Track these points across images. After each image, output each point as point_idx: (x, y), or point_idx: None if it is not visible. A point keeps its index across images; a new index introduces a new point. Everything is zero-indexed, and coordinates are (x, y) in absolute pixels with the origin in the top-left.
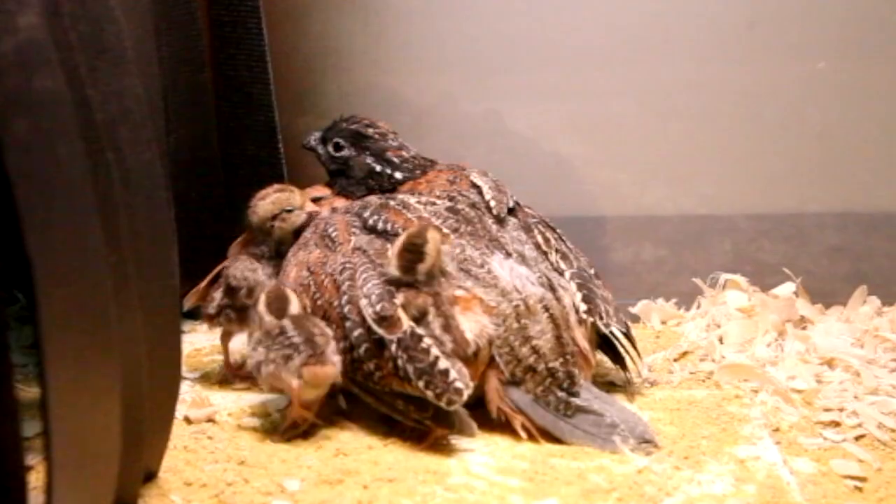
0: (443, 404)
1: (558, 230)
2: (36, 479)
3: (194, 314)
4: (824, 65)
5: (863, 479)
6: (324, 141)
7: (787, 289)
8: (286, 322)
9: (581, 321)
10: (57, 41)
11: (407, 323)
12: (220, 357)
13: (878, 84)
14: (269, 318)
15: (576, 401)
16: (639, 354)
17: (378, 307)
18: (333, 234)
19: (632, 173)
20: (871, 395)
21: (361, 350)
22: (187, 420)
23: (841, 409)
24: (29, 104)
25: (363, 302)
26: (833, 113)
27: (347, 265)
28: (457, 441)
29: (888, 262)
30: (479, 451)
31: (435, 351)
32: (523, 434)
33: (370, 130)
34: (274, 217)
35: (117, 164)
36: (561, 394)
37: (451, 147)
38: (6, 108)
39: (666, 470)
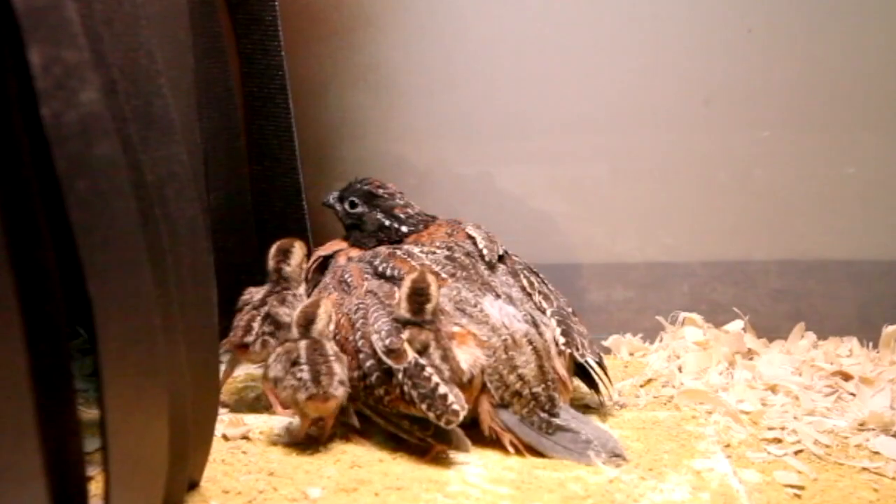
0: (442, 424)
1: (541, 275)
2: (95, 488)
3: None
4: (769, 134)
5: (801, 488)
6: (341, 199)
7: (736, 325)
8: (302, 349)
9: (560, 352)
10: (113, 113)
11: (412, 355)
12: (253, 384)
13: (813, 150)
14: (294, 333)
15: (556, 420)
16: (610, 381)
17: (387, 341)
18: (349, 280)
19: (605, 226)
20: (809, 416)
21: (373, 378)
22: (224, 437)
23: (783, 428)
24: (89, 167)
25: (374, 337)
26: (776, 175)
27: (361, 305)
28: (454, 455)
29: (823, 303)
30: (474, 463)
31: (435, 378)
32: (511, 449)
33: (380, 191)
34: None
35: (164, 219)
36: (543, 415)
37: (450, 204)
38: (70, 170)
39: (633, 480)
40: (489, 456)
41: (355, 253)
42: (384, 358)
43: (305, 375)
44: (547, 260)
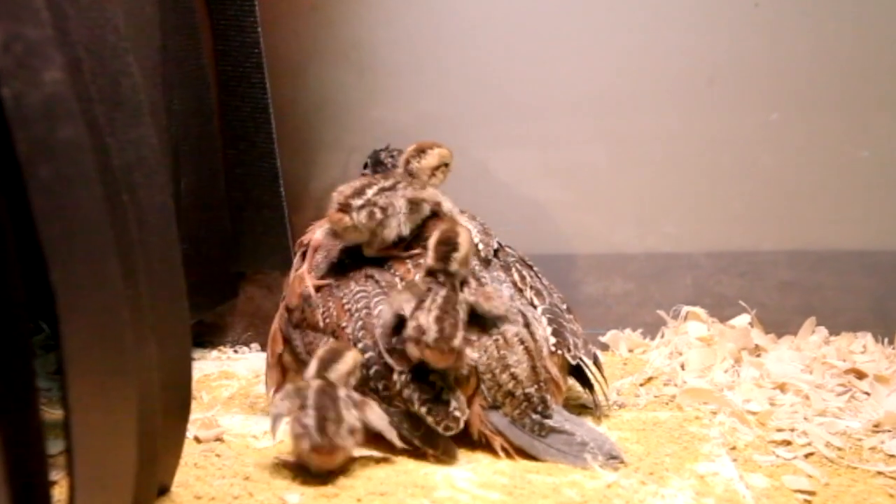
0: (440, 430)
1: (535, 267)
2: (59, 494)
3: (202, 343)
4: (777, 116)
5: (812, 493)
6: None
7: (742, 320)
8: (310, 393)
9: (552, 352)
10: (78, 94)
11: (415, 358)
12: (227, 382)
13: (824, 134)
14: (310, 371)
15: (549, 422)
16: (605, 380)
17: (393, 340)
18: (345, 264)
19: (603, 215)
20: (820, 417)
21: (372, 371)
22: (197, 439)
23: (792, 430)
24: (53, 151)
25: (378, 332)
26: (785, 160)
27: (362, 293)
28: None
29: (835, 296)
30: (463, 467)
31: (439, 384)
32: (502, 454)
33: (389, 160)
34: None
35: (133, 206)
36: (535, 416)
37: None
38: (32, 154)
39: (633, 484)
40: (479, 459)
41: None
42: (386, 357)
43: (310, 422)
44: (541, 250)
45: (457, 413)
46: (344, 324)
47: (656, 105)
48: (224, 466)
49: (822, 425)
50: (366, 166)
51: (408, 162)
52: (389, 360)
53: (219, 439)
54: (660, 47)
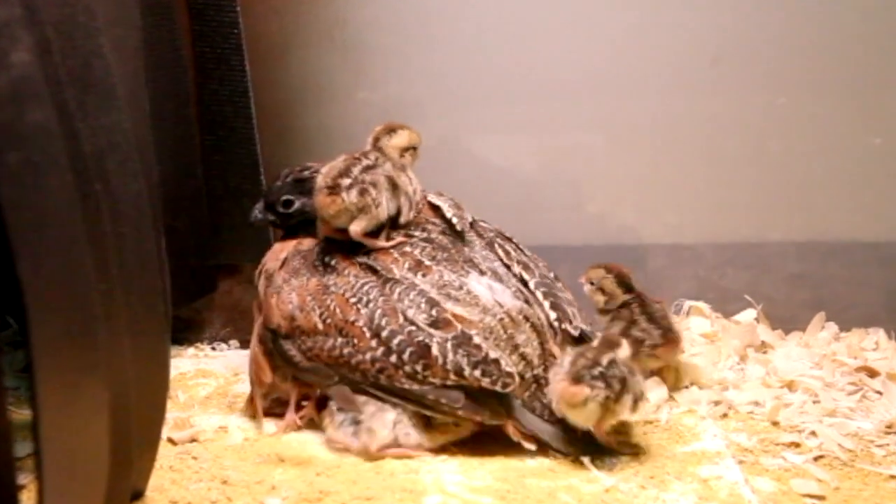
0: (499, 388)
1: (514, 239)
2: (28, 498)
3: (179, 339)
4: (785, 100)
5: (821, 498)
6: (270, 207)
7: (748, 315)
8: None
9: (554, 331)
10: (47, 76)
11: (458, 324)
12: (205, 380)
13: (835, 118)
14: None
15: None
16: None
17: (433, 311)
18: (332, 262)
19: (599, 204)
20: (830, 417)
21: (406, 354)
22: (171, 441)
23: (800, 431)
24: (20, 137)
25: (410, 311)
26: (794, 145)
27: (368, 283)
28: (432, 460)
29: (845, 290)
30: (454, 470)
31: (485, 345)
32: (515, 438)
33: (306, 173)
34: None
35: (105, 195)
36: (546, 400)
37: (425, 177)
38: None
39: (632, 489)
40: (471, 461)
41: (310, 242)
42: (430, 329)
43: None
44: (533, 241)
45: (509, 368)
46: (352, 318)
47: (656, 87)
48: (201, 470)
49: (832, 426)
50: (288, 204)
51: (377, 139)
52: (433, 331)
53: (195, 440)
54: (660, 24)
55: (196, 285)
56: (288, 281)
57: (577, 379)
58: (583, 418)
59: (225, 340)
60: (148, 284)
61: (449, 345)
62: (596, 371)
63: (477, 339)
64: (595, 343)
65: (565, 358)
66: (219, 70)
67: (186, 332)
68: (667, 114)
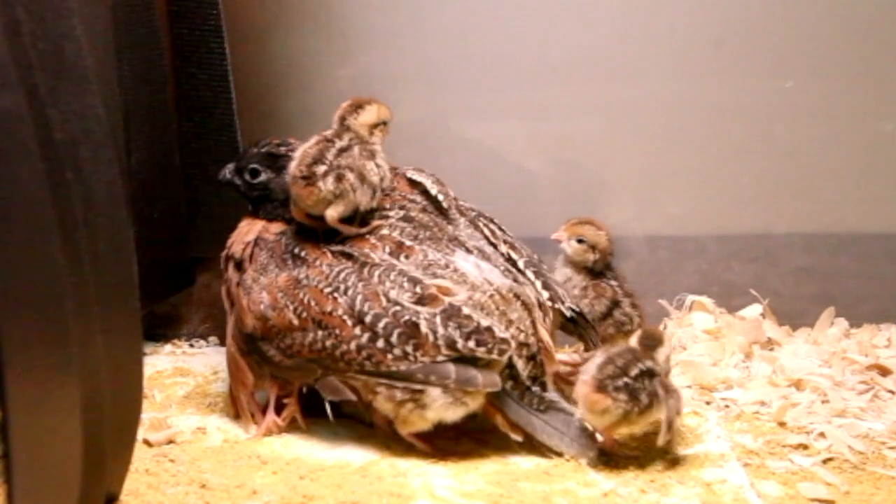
0: (495, 355)
1: (496, 220)
2: None
3: (155, 336)
4: (792, 84)
5: (830, 503)
6: (239, 172)
7: (754, 310)
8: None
9: (545, 312)
10: (17, 60)
11: (444, 298)
12: (182, 379)
13: (846, 104)
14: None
15: (548, 395)
16: (596, 331)
17: (417, 289)
18: (302, 254)
19: (597, 194)
20: (839, 418)
21: (394, 337)
22: (147, 443)
23: (808, 432)
24: None
25: (393, 292)
26: (802, 132)
27: (344, 270)
28: (421, 463)
29: (856, 284)
30: (444, 473)
31: (475, 315)
32: (503, 429)
33: (282, 149)
34: None
35: (77, 184)
36: (535, 388)
37: (411, 163)
38: None
39: (632, 493)
40: (462, 464)
41: (277, 228)
42: (416, 308)
43: None
44: (527, 232)
45: (503, 335)
46: (330, 308)
47: (657, 70)
48: (178, 473)
49: (842, 427)
50: (255, 173)
51: (343, 118)
52: (419, 308)
53: (171, 442)
54: (661, 4)
55: (173, 279)
56: (257, 279)
57: (600, 388)
58: (600, 424)
59: (204, 337)
60: (122, 277)
61: (438, 319)
62: (620, 382)
63: (466, 310)
64: (634, 340)
65: (598, 356)
66: (197, 53)
67: (163, 329)
68: (668, 99)
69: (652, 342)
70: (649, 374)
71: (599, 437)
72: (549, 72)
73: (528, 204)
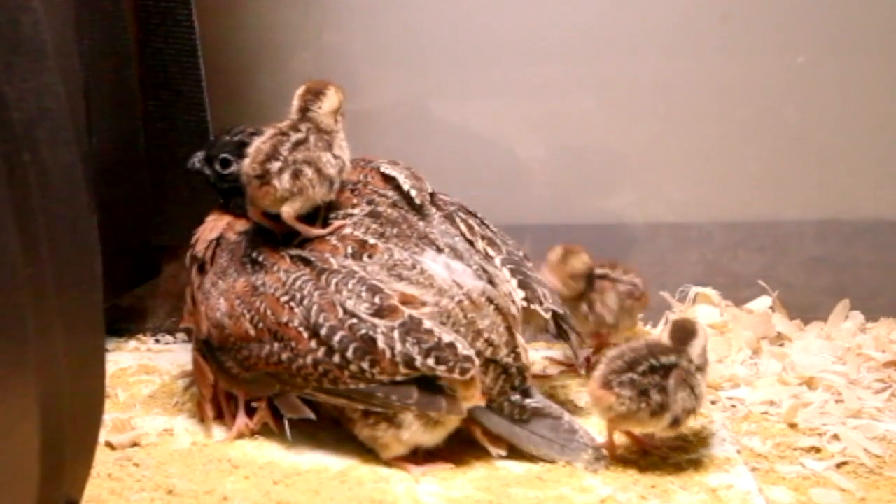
0: (457, 375)
1: (479, 214)
2: None
3: (118, 331)
4: (804, 60)
5: None
6: (209, 161)
7: (762, 303)
8: None
9: (520, 311)
10: None
11: (405, 310)
12: (148, 377)
13: (863, 81)
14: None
15: (531, 402)
16: (580, 336)
17: (376, 299)
18: (260, 258)
19: (594, 177)
20: (854, 419)
21: (350, 352)
22: (110, 445)
23: (821, 434)
24: None
25: (350, 302)
26: (813, 112)
27: (300, 277)
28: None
29: (872, 274)
30: (429, 479)
31: (437, 329)
32: (482, 442)
33: (255, 138)
34: None
35: (35, 167)
36: (515, 397)
37: (398, 147)
38: None
39: (631, 499)
40: (450, 469)
41: (242, 226)
42: (373, 320)
43: None
44: (516, 220)
45: (466, 352)
46: (285, 318)
47: (659, 46)
48: (143, 478)
49: (857, 429)
50: (226, 163)
51: (305, 109)
52: (377, 321)
53: (136, 444)
54: None
55: (138, 269)
56: (216, 284)
57: (605, 383)
58: (606, 421)
59: (170, 332)
60: (83, 267)
61: (396, 334)
62: (626, 377)
63: (428, 324)
64: (665, 332)
65: (613, 350)
66: (164, 26)
67: (127, 323)
68: (671, 76)
69: (682, 335)
70: (664, 369)
71: (599, 439)
72: (540, 47)
73: (518, 190)
